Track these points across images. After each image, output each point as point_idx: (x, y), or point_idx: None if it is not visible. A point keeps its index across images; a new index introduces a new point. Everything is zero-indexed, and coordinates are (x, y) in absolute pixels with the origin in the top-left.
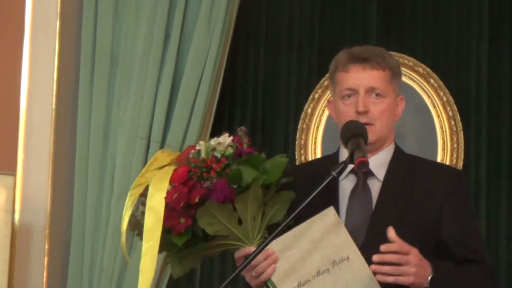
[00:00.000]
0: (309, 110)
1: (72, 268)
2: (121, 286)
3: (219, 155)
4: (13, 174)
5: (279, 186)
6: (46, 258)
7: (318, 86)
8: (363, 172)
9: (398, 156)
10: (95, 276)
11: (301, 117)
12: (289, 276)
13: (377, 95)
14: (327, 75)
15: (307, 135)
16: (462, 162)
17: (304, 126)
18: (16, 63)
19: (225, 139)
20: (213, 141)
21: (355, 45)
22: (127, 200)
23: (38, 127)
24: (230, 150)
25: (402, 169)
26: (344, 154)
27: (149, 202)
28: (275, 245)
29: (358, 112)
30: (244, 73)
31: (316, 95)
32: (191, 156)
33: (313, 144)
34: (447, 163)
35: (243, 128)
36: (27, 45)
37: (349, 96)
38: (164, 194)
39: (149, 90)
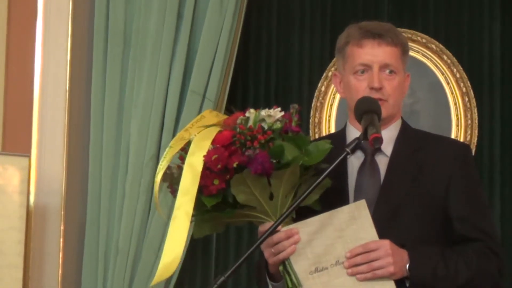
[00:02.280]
0: (323, 88)
1: (87, 249)
2: (137, 266)
3: (266, 127)
4: (28, 155)
5: (317, 171)
6: (61, 240)
7: (331, 64)
8: (376, 148)
9: (405, 132)
10: (111, 257)
11: (315, 95)
12: (308, 259)
13: (391, 72)
14: None
15: (321, 113)
16: (476, 139)
17: (318, 104)
18: (29, 45)
19: (276, 113)
20: (264, 112)
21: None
22: (166, 151)
23: (52, 108)
24: (278, 125)
25: (409, 145)
26: (351, 130)
27: (189, 158)
28: (299, 227)
29: (372, 88)
30: (257, 52)
31: (330, 73)
32: (239, 121)
33: (327, 122)
34: (461, 139)
35: (295, 105)
36: (40, 27)
37: (362, 72)
38: (204, 153)
39: (162, 70)
